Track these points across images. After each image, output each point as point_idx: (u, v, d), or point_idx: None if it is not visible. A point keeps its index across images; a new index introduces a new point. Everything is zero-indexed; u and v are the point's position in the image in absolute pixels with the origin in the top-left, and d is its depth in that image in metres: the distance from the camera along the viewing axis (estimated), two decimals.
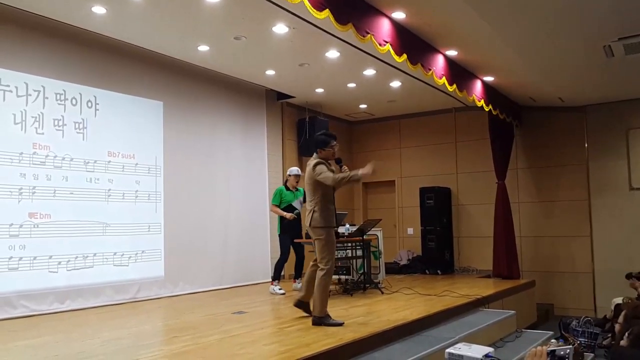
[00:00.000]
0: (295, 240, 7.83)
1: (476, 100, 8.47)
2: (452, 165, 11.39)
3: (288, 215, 7.68)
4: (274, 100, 10.22)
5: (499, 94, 9.62)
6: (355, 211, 12.47)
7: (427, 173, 11.62)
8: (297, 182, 7.96)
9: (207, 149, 8.74)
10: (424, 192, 11.05)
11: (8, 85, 6.35)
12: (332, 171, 5.29)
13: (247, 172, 9.46)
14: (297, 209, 7.93)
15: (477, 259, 10.94)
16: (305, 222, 5.36)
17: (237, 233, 9.10)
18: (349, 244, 8.17)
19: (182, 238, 8.14)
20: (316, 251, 5.30)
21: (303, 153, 10.69)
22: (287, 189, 7.94)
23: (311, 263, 5.55)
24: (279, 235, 7.91)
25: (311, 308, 5.51)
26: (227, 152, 9.09)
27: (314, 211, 5.26)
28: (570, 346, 2.46)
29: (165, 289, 7.85)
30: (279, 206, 7.78)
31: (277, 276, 7.84)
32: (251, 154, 9.59)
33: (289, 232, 7.82)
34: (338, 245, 7.96)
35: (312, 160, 5.36)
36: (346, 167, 5.47)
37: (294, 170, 8.03)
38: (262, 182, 9.75)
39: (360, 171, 4.96)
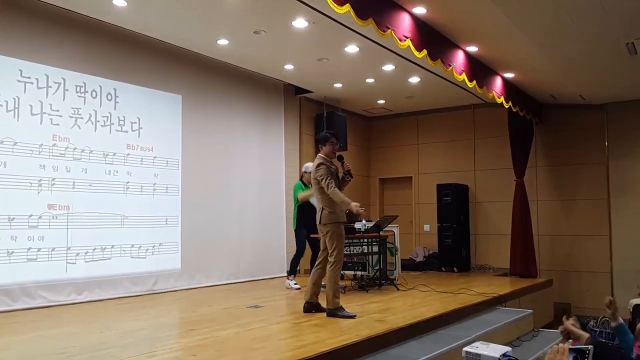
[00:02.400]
0: (312, 236, 7.81)
1: (496, 97, 8.39)
2: (470, 162, 11.32)
3: (305, 195, 7.64)
4: (292, 95, 10.21)
5: (519, 91, 9.51)
6: (372, 207, 12.44)
7: (444, 170, 11.56)
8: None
9: (225, 143, 8.75)
10: (441, 188, 11.00)
11: (29, 77, 6.39)
12: (331, 172, 5.40)
13: (264, 166, 9.45)
14: (312, 204, 7.89)
15: (494, 256, 10.87)
16: (316, 219, 5.47)
17: (253, 227, 9.11)
18: (365, 240, 8.15)
19: (199, 231, 8.14)
20: (327, 244, 5.39)
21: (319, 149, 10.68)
22: (304, 184, 7.93)
23: (315, 265, 5.60)
24: (295, 230, 7.90)
25: (324, 304, 5.57)
26: (245, 146, 9.10)
27: (322, 208, 5.38)
28: (591, 346, 2.45)
29: (182, 281, 7.86)
30: (298, 201, 7.78)
31: (293, 271, 7.83)
32: (268, 149, 9.58)
33: (305, 226, 7.81)
34: (354, 241, 7.97)
35: (316, 160, 5.51)
36: (348, 165, 5.64)
37: (310, 166, 8.00)
38: (279, 177, 9.74)
39: (352, 204, 5.18)
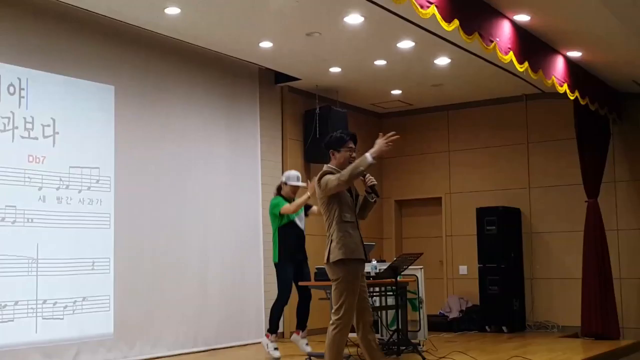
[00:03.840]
0: (301, 284, 7.75)
1: (557, 85, 8.38)
2: (523, 176, 11.28)
3: (309, 192, 7.56)
4: (271, 84, 10.19)
5: (590, 76, 9.51)
6: (386, 242, 12.38)
7: (486, 187, 11.51)
8: (294, 193, 7.93)
9: (177, 153, 8.72)
10: (483, 214, 10.95)
11: None
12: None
13: (234, 184, 9.45)
14: (299, 226, 7.92)
15: (559, 310, 10.80)
16: (324, 259, 5.49)
17: (219, 271, 9.07)
18: (377, 289, 8.09)
19: (139, 279, 8.11)
20: (332, 294, 5.42)
21: (311, 158, 10.69)
22: (286, 200, 7.89)
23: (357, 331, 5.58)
24: (277, 265, 7.87)
25: None
26: (205, 157, 9.09)
27: (331, 241, 5.40)
28: None
29: (116, 351, 7.76)
30: (280, 222, 7.76)
31: (273, 327, 7.77)
32: (239, 160, 9.59)
33: (292, 259, 7.79)
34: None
35: (325, 170, 5.52)
36: (371, 178, 5.57)
37: (293, 175, 7.97)
38: (254, 200, 9.74)
39: (369, 152, 5.25)
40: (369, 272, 7.82)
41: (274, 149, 10.18)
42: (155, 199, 8.41)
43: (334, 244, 5.37)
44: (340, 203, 5.43)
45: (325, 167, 5.58)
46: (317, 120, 10.48)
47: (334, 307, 5.39)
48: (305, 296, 7.92)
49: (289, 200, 7.87)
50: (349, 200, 5.51)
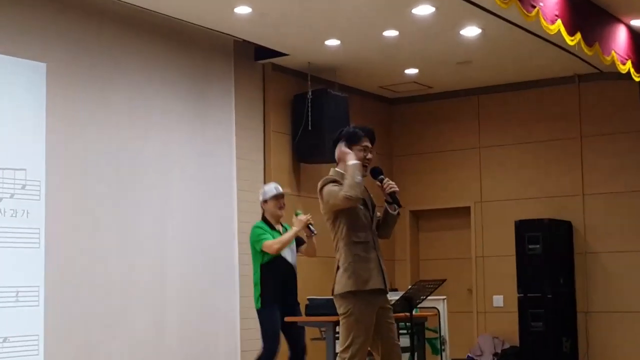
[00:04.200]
0: (288, 319, 7.69)
1: (617, 63, 8.36)
2: (575, 179, 11.27)
3: (297, 223, 7.66)
4: (250, 61, 10.19)
5: None
6: (398, 265, 12.33)
7: (528, 194, 11.50)
8: (280, 208, 7.89)
9: (127, 150, 8.69)
10: (524, 229, 10.93)
11: None
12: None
13: (200, 192, 9.42)
14: (289, 261, 7.86)
15: (622, 352, 10.77)
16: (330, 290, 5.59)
17: (179, 304, 9.01)
18: None
19: (77, 314, 8.05)
20: (340, 331, 5.54)
21: (301, 156, 10.66)
22: (271, 227, 7.83)
23: None
24: (260, 312, 7.80)
25: None
26: (165, 155, 9.07)
27: (337, 268, 5.52)
28: None
29: None
30: (264, 257, 7.75)
31: None
32: (207, 159, 9.56)
33: (278, 301, 7.73)
34: None
35: (326, 178, 5.60)
36: (391, 183, 5.65)
37: (269, 188, 7.97)
38: (227, 212, 9.71)
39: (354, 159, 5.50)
40: None
41: (253, 144, 10.14)
42: (99, 209, 8.35)
43: (340, 271, 5.48)
44: (350, 218, 5.49)
45: (331, 172, 5.64)
46: (309, 107, 10.44)
47: (341, 347, 5.46)
48: (297, 350, 7.87)
49: (276, 221, 7.84)
50: (362, 215, 5.55)
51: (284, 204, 7.97)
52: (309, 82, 10.62)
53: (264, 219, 7.92)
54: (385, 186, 5.63)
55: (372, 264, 5.49)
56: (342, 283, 5.44)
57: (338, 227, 5.50)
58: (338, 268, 5.49)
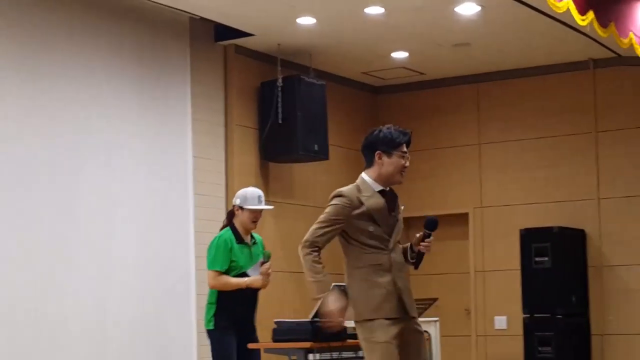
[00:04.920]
0: (251, 346, 7.67)
1: (636, 46, 8.44)
2: (590, 181, 11.33)
3: (254, 279, 7.59)
4: (210, 43, 10.21)
5: None
6: None
7: (535, 199, 11.56)
8: (254, 221, 7.81)
9: (61, 145, 8.64)
10: (530, 238, 10.98)
11: None
12: (370, 217, 5.57)
13: (150, 194, 9.41)
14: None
15: None
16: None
17: (125, 324, 8.99)
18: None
19: (1, 338, 8.01)
20: None
21: (271, 154, 10.67)
22: (239, 239, 7.77)
23: None
24: (211, 333, 7.71)
25: None
26: (107, 151, 9.04)
27: (355, 291, 5.56)
28: None
29: None
30: (226, 274, 7.67)
31: None
32: (158, 157, 9.56)
33: (235, 325, 7.68)
34: (344, 355, 7.87)
35: (343, 189, 5.65)
36: (428, 245, 5.77)
37: (252, 195, 7.86)
38: (181, 219, 9.71)
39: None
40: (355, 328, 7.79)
41: (212, 140, 10.16)
42: (24, 217, 8.32)
43: (353, 294, 5.54)
44: (362, 237, 5.56)
45: (359, 179, 5.69)
46: (279, 96, 10.44)
47: None
48: None
49: (245, 232, 7.79)
50: (379, 233, 5.58)
51: (259, 218, 7.90)
52: (279, 68, 10.60)
53: (233, 228, 7.85)
54: (420, 246, 5.74)
55: (388, 287, 5.53)
56: (356, 310, 5.52)
57: (351, 245, 5.61)
58: (349, 290, 5.58)
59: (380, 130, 5.71)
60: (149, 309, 9.27)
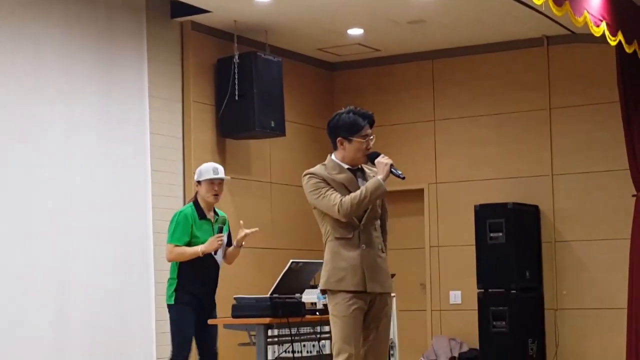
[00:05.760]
0: (211, 322, 7.72)
1: (591, 25, 8.40)
2: (543, 157, 11.37)
3: (207, 244, 7.62)
4: (166, 19, 10.15)
5: (639, 10, 9.59)
6: None
7: (489, 174, 11.58)
8: (216, 194, 7.81)
9: (18, 126, 8.59)
10: (485, 214, 11.04)
11: None
12: (345, 188, 5.70)
13: (106, 173, 9.36)
14: (216, 259, 7.81)
15: (596, 354, 10.89)
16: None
17: (83, 306, 8.96)
18: (327, 329, 7.91)
19: None
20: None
21: (228, 130, 10.67)
22: (201, 214, 7.78)
23: None
24: (171, 308, 7.76)
25: None
26: (62, 130, 8.98)
27: (324, 262, 5.76)
28: None
29: None
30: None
31: None
32: (114, 134, 9.48)
33: (194, 300, 7.72)
34: (305, 330, 7.98)
35: (311, 169, 5.80)
36: (384, 158, 5.75)
37: (207, 168, 7.85)
38: (139, 196, 9.66)
39: (381, 176, 5.65)
40: (314, 304, 7.83)
41: (170, 117, 10.10)
42: None
43: (325, 266, 5.73)
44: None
45: (327, 159, 5.80)
46: (235, 73, 10.41)
47: (332, 346, 5.78)
48: (208, 357, 7.86)
49: (208, 207, 7.79)
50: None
51: (219, 191, 7.78)
52: (236, 44, 10.58)
53: (196, 203, 7.83)
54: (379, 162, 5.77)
55: (353, 262, 5.64)
56: (324, 279, 5.69)
57: (323, 222, 5.76)
58: (324, 264, 5.74)
59: (340, 116, 5.80)
60: (107, 284, 9.23)
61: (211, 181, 7.74)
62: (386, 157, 5.69)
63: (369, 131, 5.76)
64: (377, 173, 5.66)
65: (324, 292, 5.77)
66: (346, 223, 5.65)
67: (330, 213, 5.62)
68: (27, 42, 8.80)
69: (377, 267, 5.69)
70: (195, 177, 7.83)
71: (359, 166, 5.81)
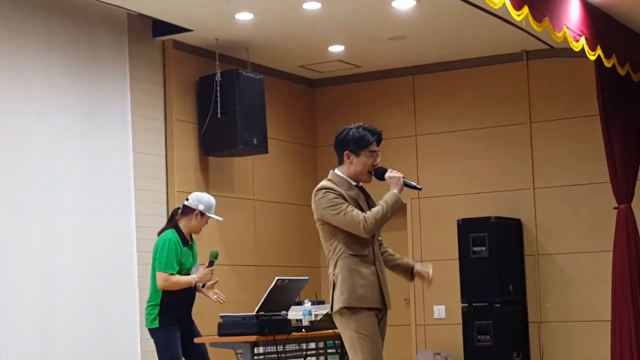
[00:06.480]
0: (197, 340, 7.72)
1: (570, 40, 8.46)
2: (524, 171, 11.42)
3: (201, 275, 7.66)
4: (148, 38, 10.17)
5: (619, 26, 9.63)
6: (324, 271, 12.12)
7: (472, 189, 11.62)
8: (199, 229, 7.86)
9: (3, 146, 8.59)
10: (467, 228, 11.07)
11: None
12: (357, 204, 5.68)
13: (92, 191, 9.35)
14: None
15: None
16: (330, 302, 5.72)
17: (69, 321, 8.95)
18: (312, 345, 8.15)
19: None
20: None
21: (211, 148, 10.69)
22: (184, 241, 7.72)
23: None
24: (155, 332, 7.69)
25: None
26: (47, 149, 8.97)
27: (334, 282, 5.66)
28: None
29: None
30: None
31: None
32: (97, 155, 9.48)
33: (178, 321, 7.71)
34: (289, 348, 7.99)
35: (322, 183, 5.74)
36: (394, 172, 5.79)
37: (213, 203, 7.80)
38: (123, 214, 9.65)
39: (396, 189, 5.70)
40: (299, 321, 7.85)
41: (152, 135, 10.10)
42: None
43: (338, 286, 5.62)
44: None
45: (330, 174, 5.78)
46: (218, 91, 10.44)
47: None
48: None
49: (188, 235, 7.75)
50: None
51: (203, 227, 7.91)
52: (217, 62, 10.61)
53: (178, 229, 7.76)
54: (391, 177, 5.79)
55: (368, 280, 5.63)
56: (339, 300, 5.58)
57: (333, 238, 5.68)
58: (334, 285, 5.64)
59: (349, 130, 5.84)
60: (92, 302, 9.22)
61: (209, 217, 7.80)
62: (395, 171, 5.72)
63: (376, 148, 5.80)
64: (391, 187, 5.66)
65: (341, 311, 5.61)
66: (360, 239, 5.64)
67: (351, 229, 5.58)
68: (8, 59, 8.78)
69: (386, 284, 5.71)
70: (202, 208, 7.69)
71: (359, 184, 5.82)
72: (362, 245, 5.65)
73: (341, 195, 5.63)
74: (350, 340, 5.60)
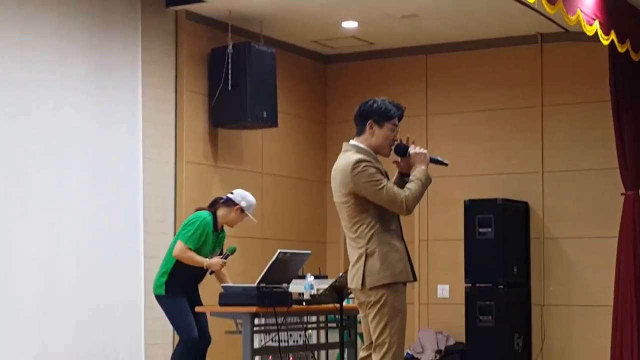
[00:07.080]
0: (198, 309, 7.79)
1: (584, 23, 8.44)
2: (534, 154, 11.39)
3: (214, 262, 7.92)
4: (160, 9, 10.12)
5: (633, 10, 9.64)
6: (330, 248, 12.39)
7: (480, 170, 11.60)
8: (234, 224, 8.36)
9: (10, 116, 8.57)
10: (474, 209, 11.06)
11: None
12: (382, 172, 5.70)
13: (99, 160, 9.35)
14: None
15: (582, 350, 10.93)
16: (349, 280, 5.74)
17: (72, 294, 8.94)
18: (314, 319, 8.24)
19: None
20: (370, 325, 5.67)
21: (221, 120, 10.68)
22: (215, 228, 8.07)
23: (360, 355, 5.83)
24: (162, 297, 7.89)
25: None
26: (55, 119, 8.96)
27: (366, 255, 5.63)
28: None
29: None
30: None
31: None
32: (108, 122, 9.48)
33: (184, 290, 7.87)
34: (290, 320, 8.06)
35: (349, 153, 5.75)
36: (419, 149, 5.89)
37: (254, 203, 8.18)
38: (131, 185, 9.65)
39: (424, 165, 5.83)
40: (301, 294, 7.90)
41: (162, 106, 10.07)
42: None
43: (372, 260, 5.61)
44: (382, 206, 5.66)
45: (353, 147, 5.77)
46: (229, 63, 10.39)
47: (375, 338, 5.62)
48: (203, 343, 8.02)
49: (221, 226, 8.09)
50: None
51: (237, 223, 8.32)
52: (230, 34, 10.55)
53: (214, 216, 8.08)
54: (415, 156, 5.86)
55: (402, 252, 5.72)
56: (374, 274, 5.57)
57: (366, 213, 5.67)
58: (366, 256, 5.62)
59: (374, 101, 5.86)
60: (97, 269, 9.23)
61: (246, 216, 8.15)
62: (419, 147, 5.82)
63: (398, 122, 5.83)
64: (415, 164, 5.76)
65: (380, 287, 5.60)
66: (390, 214, 5.69)
67: (390, 206, 5.61)
68: (24, 32, 8.79)
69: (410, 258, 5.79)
70: (244, 205, 8.15)
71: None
72: (392, 220, 5.71)
73: (378, 170, 5.64)
74: (382, 315, 5.58)
